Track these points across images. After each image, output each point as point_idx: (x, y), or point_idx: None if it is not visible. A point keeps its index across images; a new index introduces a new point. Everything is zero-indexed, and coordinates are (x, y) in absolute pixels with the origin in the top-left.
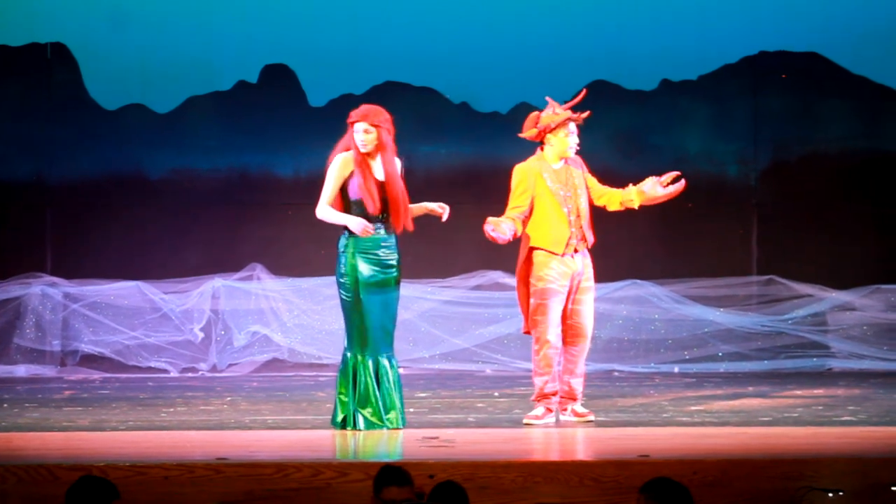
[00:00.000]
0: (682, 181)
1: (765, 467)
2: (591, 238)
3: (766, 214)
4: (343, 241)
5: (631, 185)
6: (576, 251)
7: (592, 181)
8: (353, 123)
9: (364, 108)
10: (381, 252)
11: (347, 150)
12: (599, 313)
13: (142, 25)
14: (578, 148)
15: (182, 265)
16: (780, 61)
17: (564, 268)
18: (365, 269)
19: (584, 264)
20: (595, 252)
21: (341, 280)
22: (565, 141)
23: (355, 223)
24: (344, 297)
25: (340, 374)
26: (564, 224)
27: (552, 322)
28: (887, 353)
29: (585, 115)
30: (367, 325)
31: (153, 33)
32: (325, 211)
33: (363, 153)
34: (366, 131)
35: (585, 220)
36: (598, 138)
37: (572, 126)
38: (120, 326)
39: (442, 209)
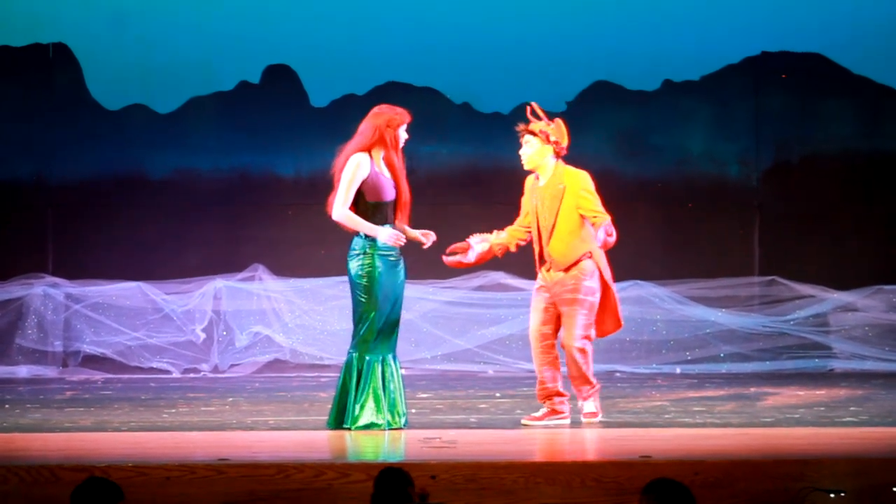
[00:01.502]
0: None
1: (767, 468)
2: (564, 261)
3: (768, 215)
4: (361, 241)
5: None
6: (550, 268)
7: (582, 202)
8: None
9: None
10: (394, 252)
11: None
12: None
13: (143, 26)
14: (521, 159)
15: (184, 266)
16: (781, 61)
17: (546, 275)
18: (384, 270)
19: (565, 277)
20: None
21: (359, 281)
22: None
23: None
24: (360, 297)
25: (345, 374)
26: (536, 241)
27: (533, 323)
28: (889, 354)
29: (519, 126)
30: (379, 326)
31: (155, 34)
32: None
33: None
34: None
35: (547, 240)
36: (600, 139)
37: (525, 138)
38: (122, 327)
39: (426, 236)
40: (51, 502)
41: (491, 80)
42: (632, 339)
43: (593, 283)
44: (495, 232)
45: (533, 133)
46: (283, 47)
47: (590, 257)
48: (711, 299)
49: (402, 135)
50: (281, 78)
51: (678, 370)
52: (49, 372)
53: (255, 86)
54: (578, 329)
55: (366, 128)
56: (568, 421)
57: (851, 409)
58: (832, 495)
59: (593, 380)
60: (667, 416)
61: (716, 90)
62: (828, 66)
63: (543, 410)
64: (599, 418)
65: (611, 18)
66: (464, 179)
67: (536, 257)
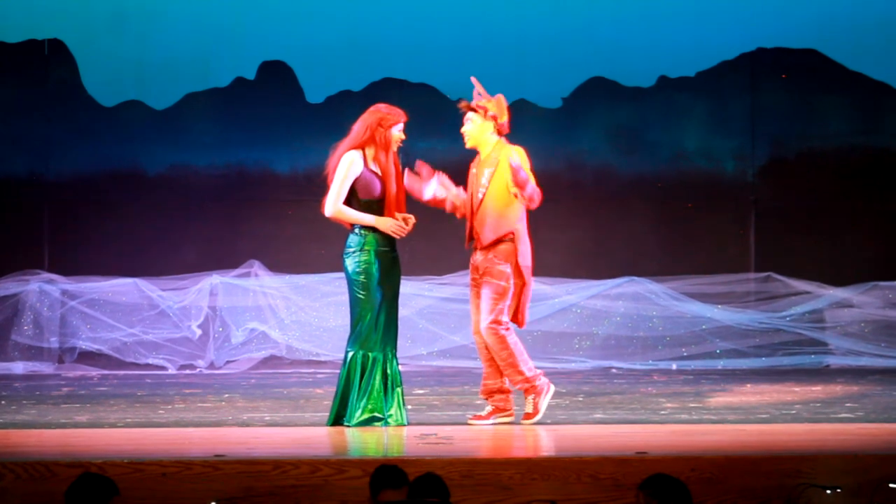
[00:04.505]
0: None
1: (762, 464)
2: (486, 237)
3: (764, 211)
4: (357, 238)
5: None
6: (476, 246)
7: (514, 175)
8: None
9: None
10: (390, 248)
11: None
12: (597, 310)
13: (139, 22)
14: (465, 139)
15: (180, 262)
16: (777, 58)
17: (472, 260)
18: (380, 266)
19: (483, 259)
20: (593, 249)
21: (357, 278)
22: None
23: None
24: (359, 294)
25: (347, 372)
26: (468, 218)
27: (474, 319)
28: (885, 350)
29: (462, 103)
30: (379, 322)
31: (150, 30)
32: None
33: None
34: None
35: (479, 217)
36: (596, 135)
37: (468, 115)
38: (118, 323)
39: (406, 223)
40: (46, 498)
41: (487, 77)
42: (628, 336)
43: (505, 268)
44: (461, 188)
45: (474, 109)
46: (279, 43)
47: (511, 240)
48: (707, 295)
49: (396, 135)
50: (276, 74)
51: (674, 366)
52: (45, 368)
53: (251, 82)
54: (485, 313)
55: (359, 126)
56: (513, 418)
57: (847, 405)
58: (828, 491)
59: (525, 371)
60: (663, 412)
61: (711, 86)
62: (824, 63)
63: (488, 409)
64: (537, 419)
65: (606, 15)
66: (460, 176)
67: (466, 234)
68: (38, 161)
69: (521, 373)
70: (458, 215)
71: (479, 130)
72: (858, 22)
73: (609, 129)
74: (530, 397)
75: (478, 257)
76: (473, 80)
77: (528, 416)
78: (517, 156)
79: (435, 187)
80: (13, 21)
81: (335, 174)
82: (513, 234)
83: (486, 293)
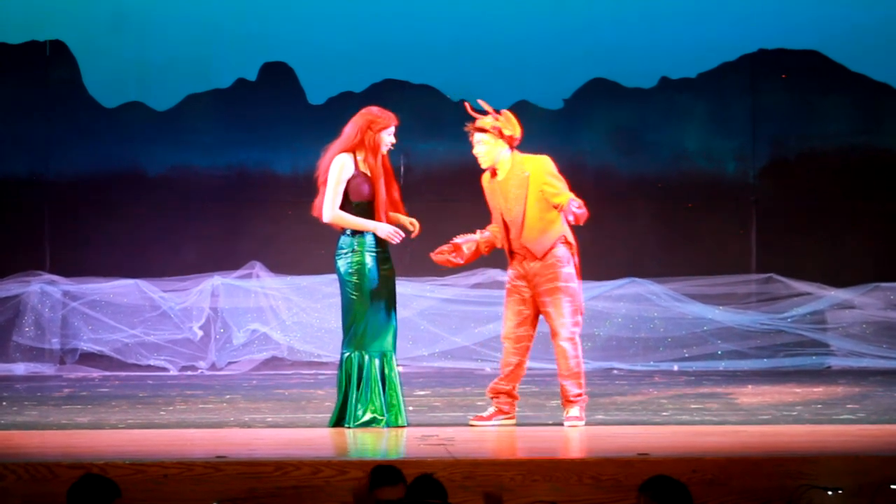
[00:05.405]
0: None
1: (764, 465)
2: (539, 250)
3: (765, 212)
4: (349, 240)
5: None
6: (524, 259)
7: (546, 188)
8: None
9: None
10: (382, 249)
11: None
12: (598, 311)
13: (140, 23)
14: (477, 158)
15: (181, 263)
16: (778, 59)
17: (520, 266)
18: (373, 266)
19: (542, 266)
20: (593, 250)
21: (350, 279)
22: None
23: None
24: (352, 295)
25: (344, 373)
26: (504, 237)
27: (508, 325)
28: (886, 352)
29: (468, 126)
30: (375, 323)
31: (152, 31)
32: None
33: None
34: None
35: (518, 232)
36: (597, 136)
37: (476, 137)
38: (119, 324)
39: (413, 226)
40: (48, 499)
41: (488, 78)
42: (629, 337)
43: (571, 269)
44: (478, 231)
45: (484, 130)
46: (281, 45)
47: (564, 242)
48: (709, 296)
49: (386, 139)
50: (278, 75)
51: (676, 367)
52: (46, 369)
53: (252, 83)
54: (567, 317)
55: (350, 128)
56: (514, 422)
57: (849, 406)
58: (829, 493)
59: (583, 381)
60: (664, 413)
61: (713, 87)
62: (825, 63)
63: (491, 410)
64: (583, 425)
65: (608, 16)
66: (461, 177)
67: (507, 252)
68: (39, 161)
69: (581, 385)
70: (497, 245)
71: (493, 150)
72: (859, 23)
73: (610, 130)
74: (576, 407)
75: (531, 265)
76: (481, 102)
77: (578, 419)
78: (569, 211)
79: (465, 250)
80: (14, 22)
81: (328, 179)
82: (564, 236)
83: (563, 299)
